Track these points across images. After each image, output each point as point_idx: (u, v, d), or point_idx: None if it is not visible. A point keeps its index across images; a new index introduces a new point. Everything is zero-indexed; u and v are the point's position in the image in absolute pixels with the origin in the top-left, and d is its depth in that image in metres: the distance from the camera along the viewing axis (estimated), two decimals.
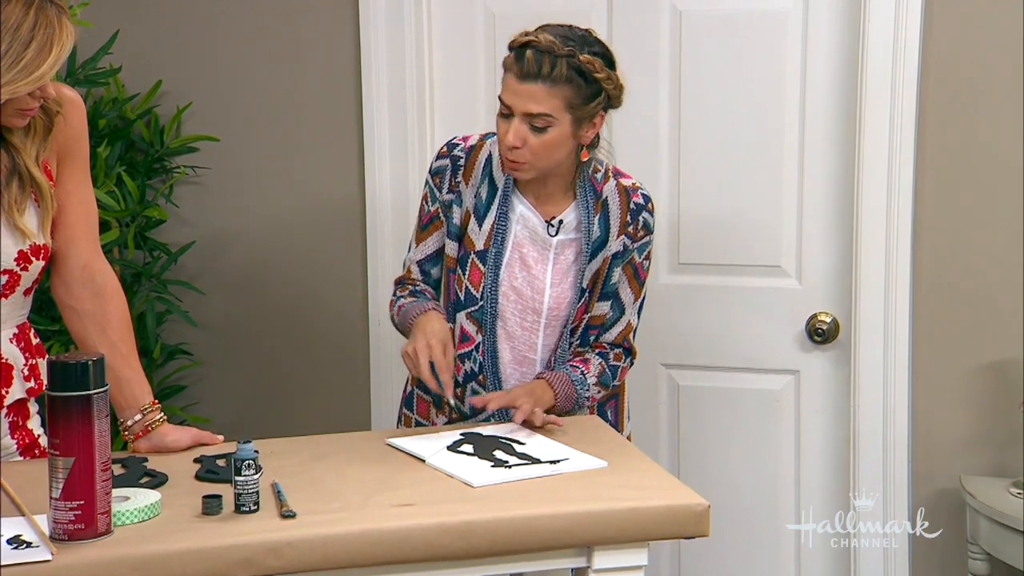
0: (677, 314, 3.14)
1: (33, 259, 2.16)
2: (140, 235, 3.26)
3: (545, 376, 2.44)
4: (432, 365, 2.30)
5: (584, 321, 2.48)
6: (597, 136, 2.44)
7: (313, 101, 3.28)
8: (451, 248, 2.46)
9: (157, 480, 2.06)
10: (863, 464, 2.99)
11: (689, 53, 3.05)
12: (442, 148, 2.48)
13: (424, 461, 2.17)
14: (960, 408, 2.95)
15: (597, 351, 2.50)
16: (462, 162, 2.44)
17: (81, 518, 1.77)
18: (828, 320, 3.04)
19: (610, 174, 2.48)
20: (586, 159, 2.41)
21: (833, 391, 3.07)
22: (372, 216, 3.24)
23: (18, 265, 2.15)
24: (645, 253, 2.50)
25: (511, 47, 2.35)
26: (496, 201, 2.42)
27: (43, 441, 2.25)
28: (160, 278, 3.26)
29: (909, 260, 2.92)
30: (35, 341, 2.27)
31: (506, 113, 2.34)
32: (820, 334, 3.04)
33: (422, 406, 2.55)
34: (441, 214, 2.46)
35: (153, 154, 3.29)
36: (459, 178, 2.43)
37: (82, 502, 1.77)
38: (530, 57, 2.30)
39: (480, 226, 2.42)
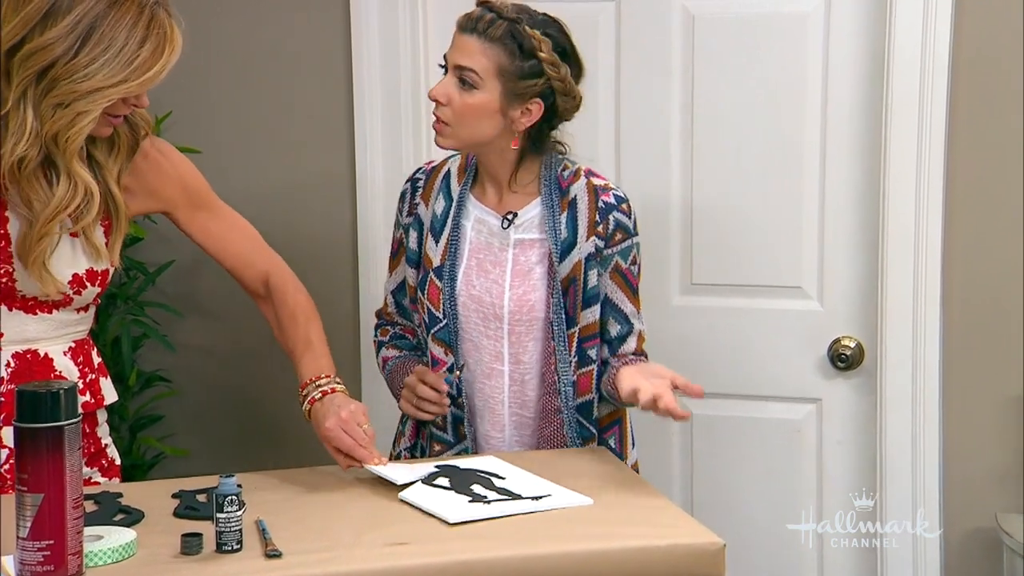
0: (690, 338, 3.13)
1: (88, 285, 2.26)
2: None
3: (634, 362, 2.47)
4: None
5: (576, 335, 2.48)
6: (550, 136, 2.48)
7: (302, 111, 3.28)
8: (411, 276, 2.54)
9: (132, 517, 2.06)
10: (890, 500, 2.98)
11: (702, 59, 3.05)
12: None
13: (396, 484, 2.18)
14: (995, 440, 2.94)
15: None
16: (421, 183, 2.55)
17: (51, 559, 1.76)
18: (852, 345, 3.04)
19: (581, 173, 2.51)
20: (516, 147, 2.45)
21: (857, 421, 3.06)
22: (364, 236, 3.24)
23: (72, 288, 2.24)
24: (630, 257, 2.51)
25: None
26: (451, 212, 2.48)
27: (110, 451, 2.43)
28: (137, 300, 3.26)
29: (939, 281, 2.92)
30: (97, 360, 2.38)
31: (443, 66, 2.45)
32: (843, 360, 3.03)
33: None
34: (403, 239, 2.56)
35: None
36: (417, 199, 2.53)
37: (52, 542, 1.76)
38: (475, 13, 2.41)
39: (437, 242, 2.49)
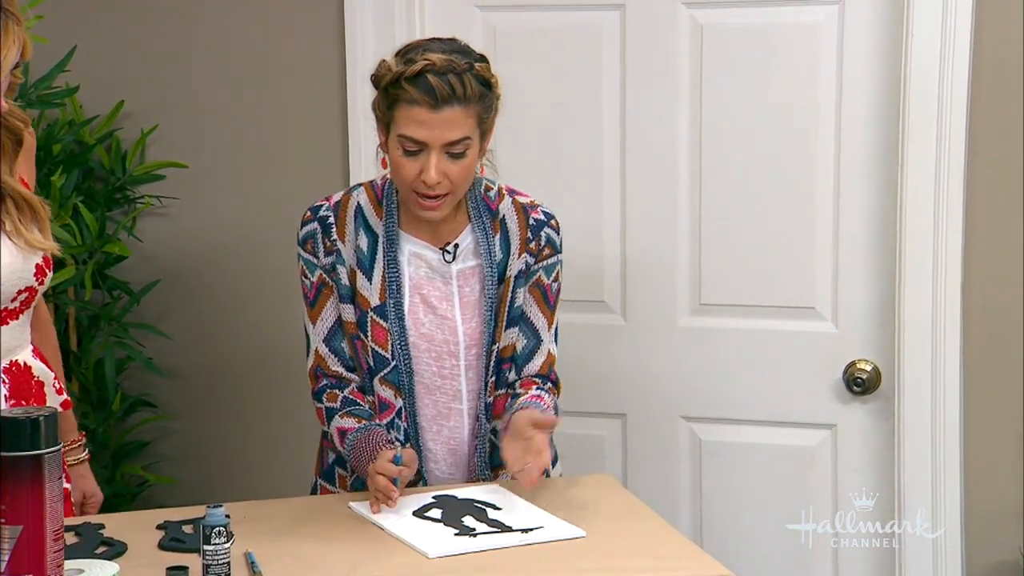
0: (698, 361, 3.13)
1: (48, 272, 2.27)
2: (99, 273, 3.25)
3: (525, 408, 2.39)
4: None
5: (494, 353, 2.47)
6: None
7: (293, 125, 3.28)
8: (348, 312, 2.45)
9: (115, 550, 2.05)
10: (910, 530, 2.97)
11: (711, 71, 3.05)
12: (306, 214, 2.48)
13: (383, 528, 2.17)
14: (1019, 468, 2.93)
15: (534, 388, 2.47)
16: (331, 220, 2.45)
17: None
18: (868, 368, 3.03)
19: (504, 192, 2.51)
20: (483, 175, 2.45)
21: (874, 448, 3.05)
22: None
23: (37, 280, 2.24)
24: (553, 274, 2.51)
25: (399, 78, 2.32)
26: (380, 248, 2.44)
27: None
28: (121, 321, 3.25)
29: (959, 300, 2.91)
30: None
31: (413, 150, 2.34)
32: (859, 384, 3.03)
33: (343, 481, 2.54)
34: (328, 279, 2.46)
35: (114, 183, 3.29)
36: (333, 236, 2.45)
37: None
38: (436, 82, 2.30)
39: (370, 280, 2.43)
